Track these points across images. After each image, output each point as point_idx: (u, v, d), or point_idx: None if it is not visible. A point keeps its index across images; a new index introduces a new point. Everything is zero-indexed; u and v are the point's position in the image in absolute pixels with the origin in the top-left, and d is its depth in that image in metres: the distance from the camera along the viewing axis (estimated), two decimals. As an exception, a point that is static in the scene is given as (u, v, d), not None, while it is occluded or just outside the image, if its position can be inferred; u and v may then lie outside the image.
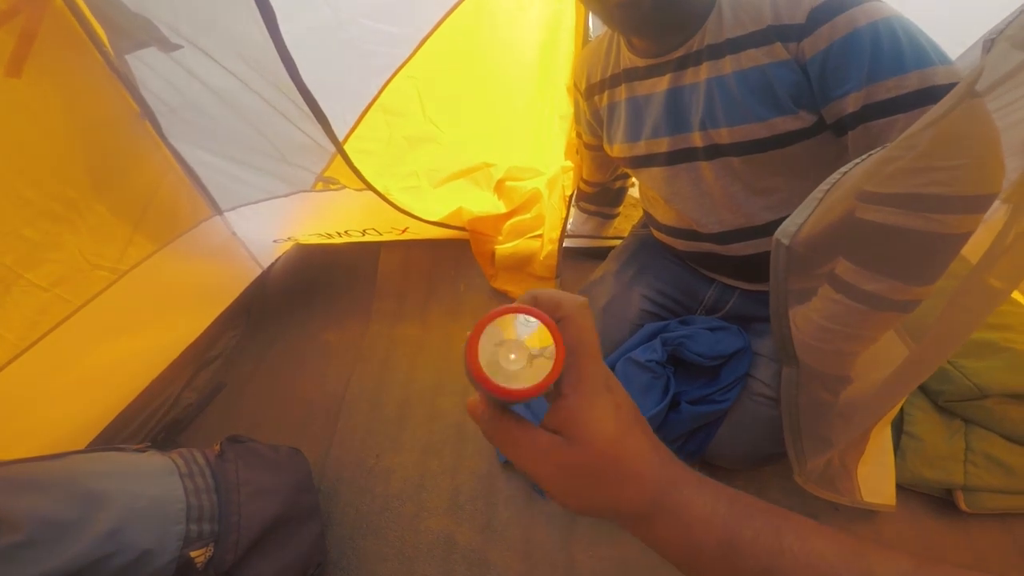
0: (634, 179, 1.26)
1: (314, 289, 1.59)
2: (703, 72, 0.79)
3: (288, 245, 1.53)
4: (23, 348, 0.93)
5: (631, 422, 0.33)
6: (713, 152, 0.82)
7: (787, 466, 0.86)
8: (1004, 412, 0.94)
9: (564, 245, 1.34)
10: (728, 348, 0.91)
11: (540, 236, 1.36)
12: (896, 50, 0.64)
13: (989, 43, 0.45)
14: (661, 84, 0.85)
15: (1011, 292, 0.56)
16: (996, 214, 0.55)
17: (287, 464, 1.02)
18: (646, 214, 1.10)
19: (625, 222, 1.51)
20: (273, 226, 1.36)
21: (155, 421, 1.22)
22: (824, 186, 0.61)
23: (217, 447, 0.95)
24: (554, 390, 0.33)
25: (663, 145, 0.88)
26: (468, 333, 0.32)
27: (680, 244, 0.99)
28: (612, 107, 0.96)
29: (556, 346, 0.31)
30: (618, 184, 1.34)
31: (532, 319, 0.32)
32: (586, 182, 1.32)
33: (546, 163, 1.37)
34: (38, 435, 0.99)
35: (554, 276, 1.39)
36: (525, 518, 1.03)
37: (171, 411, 1.26)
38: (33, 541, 0.71)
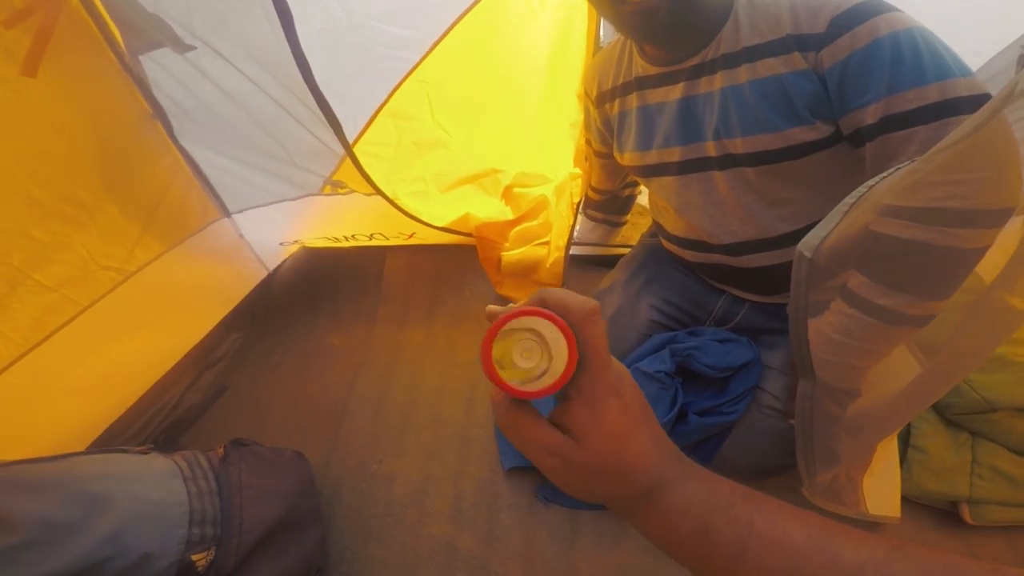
0: (643, 187, 1.26)
1: (319, 292, 1.59)
2: (718, 81, 0.79)
3: (295, 248, 1.53)
4: (28, 348, 0.93)
5: (637, 422, 0.35)
6: (727, 162, 0.82)
7: (792, 478, 0.85)
8: (1012, 425, 0.94)
9: (571, 252, 1.34)
10: (737, 360, 0.90)
11: (547, 243, 1.35)
12: (917, 61, 0.63)
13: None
14: (674, 93, 0.85)
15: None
16: (1012, 227, 0.54)
17: (290, 468, 1.02)
18: (655, 223, 1.09)
19: (632, 230, 1.50)
20: (280, 229, 1.36)
21: (158, 422, 1.22)
22: (850, 199, 0.60)
23: (220, 450, 0.95)
24: (561, 393, 0.35)
25: (675, 155, 0.88)
26: (486, 330, 0.33)
27: (690, 255, 0.98)
28: (623, 115, 0.96)
29: (569, 350, 0.33)
30: (627, 192, 1.34)
31: (548, 323, 0.33)
32: (594, 190, 1.32)
33: (554, 170, 1.37)
34: (41, 435, 0.99)
35: (560, 284, 1.39)
36: (527, 525, 1.02)
37: (174, 412, 1.25)
38: (33, 542, 0.70)
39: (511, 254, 1.38)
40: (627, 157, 0.97)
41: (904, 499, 0.90)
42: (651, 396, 0.92)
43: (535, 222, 1.39)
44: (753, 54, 0.75)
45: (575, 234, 1.38)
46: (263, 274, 1.48)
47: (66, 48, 0.89)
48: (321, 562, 0.96)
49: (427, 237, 1.38)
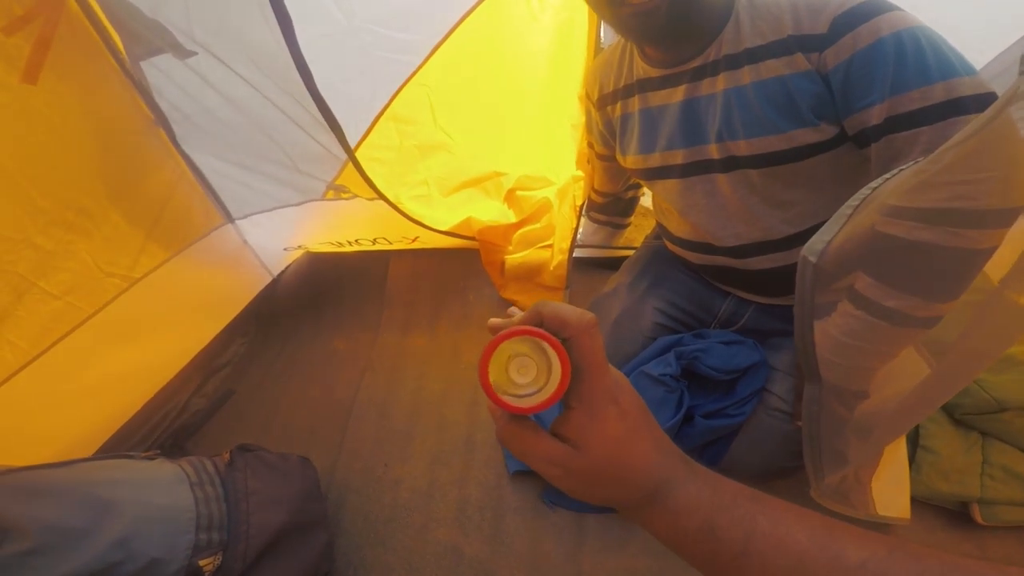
0: (646, 189, 1.25)
1: (324, 297, 1.59)
2: (720, 83, 0.78)
3: (298, 253, 1.54)
4: (35, 355, 0.94)
5: (636, 427, 0.36)
6: (730, 164, 0.81)
7: (800, 479, 0.85)
8: (1023, 425, 0.93)
9: (574, 255, 1.34)
10: (743, 362, 0.90)
11: (550, 246, 1.35)
12: (920, 60, 0.63)
13: None
14: (676, 95, 0.84)
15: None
16: (1020, 226, 0.54)
17: (296, 473, 1.02)
18: (659, 226, 1.09)
19: (636, 232, 1.50)
20: (284, 234, 1.36)
21: (164, 427, 1.23)
22: (853, 201, 0.60)
23: (227, 455, 0.95)
24: (562, 402, 0.36)
25: (678, 157, 0.87)
26: (481, 349, 0.34)
27: (694, 257, 0.98)
28: (625, 118, 0.96)
29: (562, 365, 0.34)
30: (630, 194, 1.33)
31: (540, 340, 0.34)
32: (597, 192, 1.32)
33: (557, 172, 1.36)
34: (48, 441, 0.99)
35: (564, 286, 1.39)
36: (533, 529, 1.02)
37: (180, 417, 1.26)
38: (41, 549, 0.71)
39: (514, 257, 1.38)
40: (630, 160, 0.96)
41: (914, 500, 0.90)
42: (657, 399, 0.92)
43: (538, 225, 1.39)
44: (755, 55, 0.74)
45: (578, 237, 1.38)
46: (267, 279, 1.48)
47: (67, 55, 0.89)
48: (328, 566, 0.96)
49: (430, 241, 1.38)
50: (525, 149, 1.38)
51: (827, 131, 0.73)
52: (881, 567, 0.30)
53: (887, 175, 0.59)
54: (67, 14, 0.89)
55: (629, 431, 0.35)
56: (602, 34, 1.15)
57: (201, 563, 0.80)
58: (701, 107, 0.82)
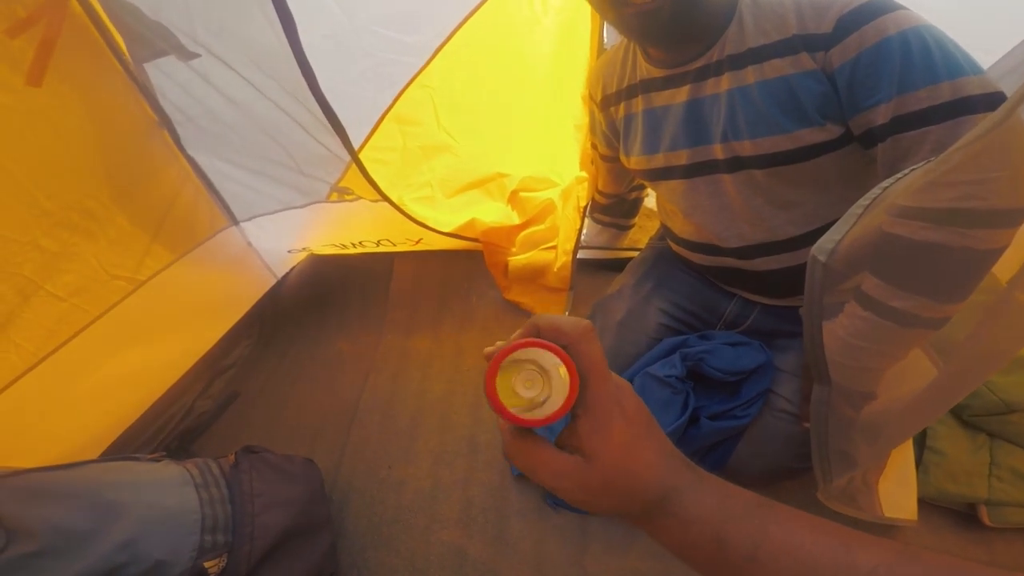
0: (650, 190, 1.25)
1: (328, 299, 1.59)
2: (724, 83, 0.78)
3: (303, 255, 1.54)
4: (41, 357, 0.94)
5: (641, 434, 0.36)
6: (735, 165, 0.81)
7: (806, 481, 0.84)
8: (1031, 428, 0.92)
9: (578, 256, 1.34)
10: (749, 363, 0.89)
11: (554, 247, 1.35)
12: (927, 60, 0.62)
13: None
14: (680, 95, 0.84)
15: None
16: (1027, 227, 0.53)
17: (301, 475, 1.02)
18: (664, 227, 1.08)
19: (640, 233, 1.50)
20: (288, 236, 1.36)
21: (169, 429, 1.23)
22: (864, 201, 0.59)
23: (232, 457, 0.95)
24: (570, 412, 0.36)
25: (682, 158, 0.87)
26: (486, 365, 0.34)
27: (699, 258, 0.97)
28: (629, 119, 0.95)
29: (569, 376, 0.34)
30: (633, 195, 1.33)
31: (544, 351, 0.34)
32: (601, 193, 1.31)
33: (561, 174, 1.36)
34: (53, 443, 0.99)
35: (568, 288, 1.38)
36: (537, 530, 1.02)
37: (185, 419, 1.26)
38: (47, 550, 0.71)
39: (518, 259, 1.38)
40: (633, 161, 0.96)
41: (921, 501, 0.89)
42: (662, 401, 0.91)
43: (542, 226, 1.39)
44: (760, 55, 0.74)
45: (582, 238, 1.38)
46: (272, 282, 1.48)
47: (70, 57, 0.89)
48: (332, 568, 0.96)
49: (434, 243, 1.38)
50: (529, 150, 1.38)
51: (833, 131, 0.72)
52: (892, 573, 0.29)
53: (898, 175, 0.59)
54: (70, 16, 0.88)
55: (635, 437, 0.35)
56: (605, 35, 1.14)
57: (206, 565, 0.80)
58: (705, 107, 0.82)
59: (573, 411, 0.35)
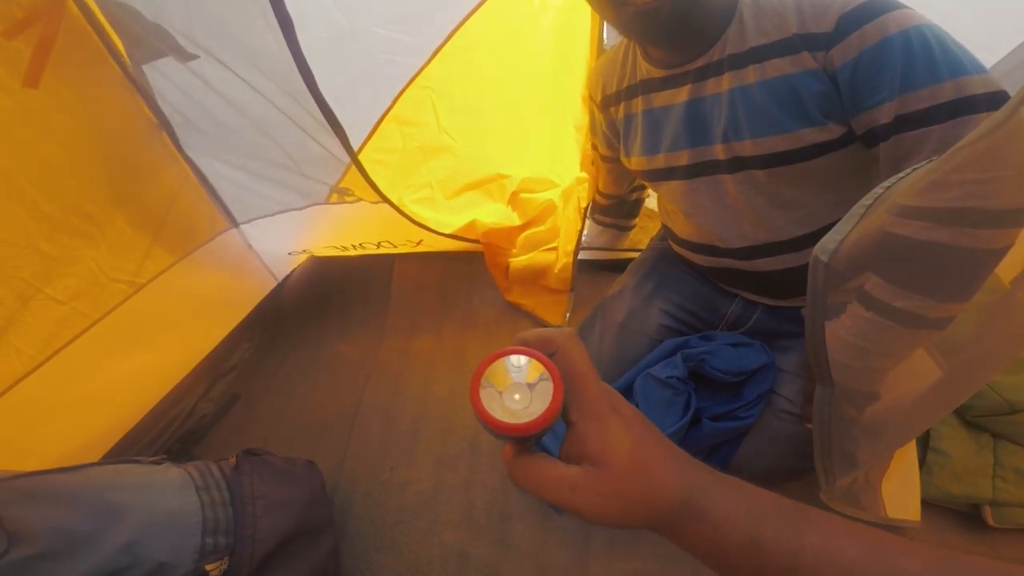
0: (651, 190, 1.25)
1: (328, 301, 1.59)
2: (725, 83, 0.78)
3: (303, 257, 1.54)
4: (41, 361, 0.94)
5: (643, 436, 0.35)
6: (736, 165, 0.81)
7: (810, 482, 0.84)
8: (1035, 427, 0.92)
9: (579, 257, 1.33)
10: (751, 364, 0.89)
11: (555, 249, 1.35)
12: (929, 59, 0.62)
13: None
14: (680, 95, 0.84)
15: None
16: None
17: (302, 477, 1.02)
18: (664, 227, 1.08)
19: (641, 234, 1.49)
20: (288, 239, 1.36)
21: (170, 432, 1.23)
22: (866, 201, 0.59)
23: (233, 460, 0.95)
24: (563, 420, 0.35)
25: (683, 158, 0.86)
26: (471, 377, 0.34)
27: (700, 259, 0.97)
28: (629, 119, 0.95)
29: (552, 378, 0.33)
30: (634, 196, 1.33)
31: (524, 357, 0.33)
32: (602, 194, 1.31)
33: (561, 174, 1.36)
34: (55, 446, 0.99)
35: (569, 289, 1.38)
36: (539, 533, 1.01)
37: (186, 422, 1.26)
38: (49, 553, 0.71)
39: (519, 260, 1.38)
40: (634, 161, 0.96)
41: (924, 502, 0.89)
42: (664, 401, 0.91)
43: (542, 227, 1.39)
44: (760, 54, 0.74)
45: (583, 239, 1.38)
46: (272, 284, 1.48)
47: (68, 59, 0.88)
48: (334, 570, 0.96)
49: (435, 244, 1.38)
50: (529, 151, 1.38)
51: (834, 130, 0.72)
52: None
53: (901, 174, 0.58)
54: (68, 18, 0.88)
55: (638, 440, 0.34)
56: (605, 35, 1.14)
57: (207, 567, 0.80)
58: (706, 107, 0.81)
59: (568, 419, 0.34)
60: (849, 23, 0.66)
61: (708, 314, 1.02)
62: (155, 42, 0.90)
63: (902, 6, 0.65)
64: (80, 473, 0.83)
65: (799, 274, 0.65)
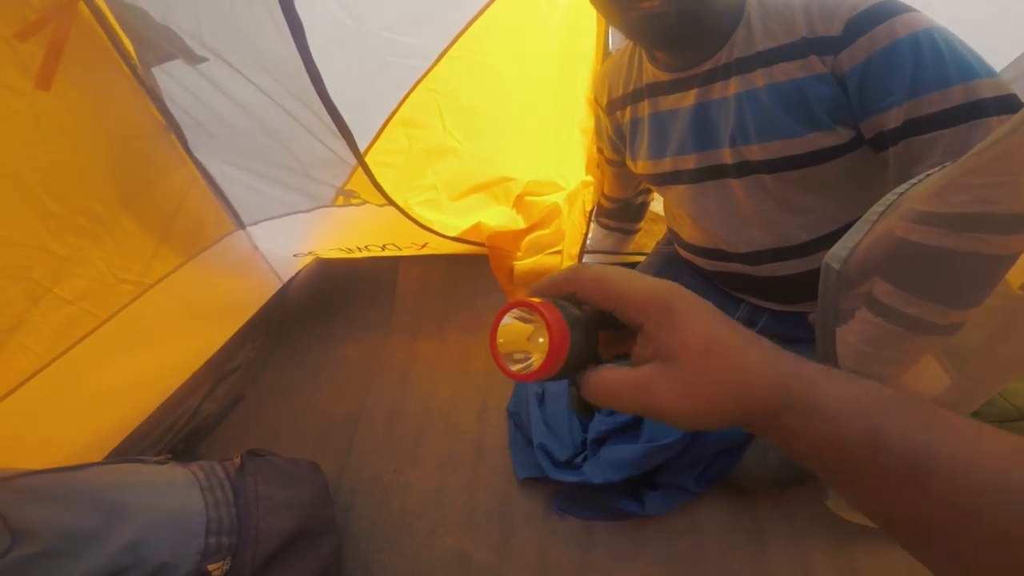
0: (656, 194, 1.24)
1: (333, 303, 1.60)
2: (732, 86, 0.77)
3: (308, 259, 1.54)
4: (49, 360, 0.95)
5: (717, 318, 0.31)
6: (744, 169, 0.80)
7: (815, 488, 0.83)
8: (1045, 436, 0.91)
9: (584, 261, 1.33)
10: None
11: (560, 252, 1.34)
12: (939, 62, 0.62)
13: None
14: (687, 99, 0.83)
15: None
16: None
17: (306, 478, 1.02)
18: (670, 231, 1.08)
19: (647, 237, 1.49)
20: (294, 241, 1.37)
21: (175, 432, 1.23)
22: (878, 207, 0.59)
23: (237, 460, 0.95)
24: (621, 335, 0.33)
25: (690, 162, 0.86)
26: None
27: (707, 264, 0.97)
28: (635, 123, 0.95)
29: (545, 321, 0.31)
30: (640, 200, 1.32)
31: (519, 310, 0.34)
32: (607, 198, 1.31)
33: (566, 177, 1.36)
34: (60, 445, 1.00)
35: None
36: (542, 536, 1.01)
37: (191, 422, 1.27)
38: (52, 552, 0.71)
39: (523, 263, 1.37)
40: (640, 165, 0.96)
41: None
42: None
43: (547, 231, 1.38)
44: (768, 58, 0.73)
45: (588, 242, 1.37)
46: (277, 285, 1.49)
47: (79, 61, 0.89)
48: (335, 571, 0.96)
49: (440, 247, 1.38)
50: (534, 153, 1.37)
51: (843, 135, 0.71)
52: None
53: (914, 180, 0.58)
54: (79, 20, 0.89)
55: (712, 322, 0.30)
56: (610, 37, 1.14)
57: (210, 567, 0.80)
58: (713, 111, 0.81)
59: (616, 330, 0.33)
60: (857, 27, 0.66)
61: (714, 319, 1.02)
62: (164, 44, 0.90)
63: (911, 9, 0.65)
64: (85, 472, 0.84)
65: (806, 279, 0.65)
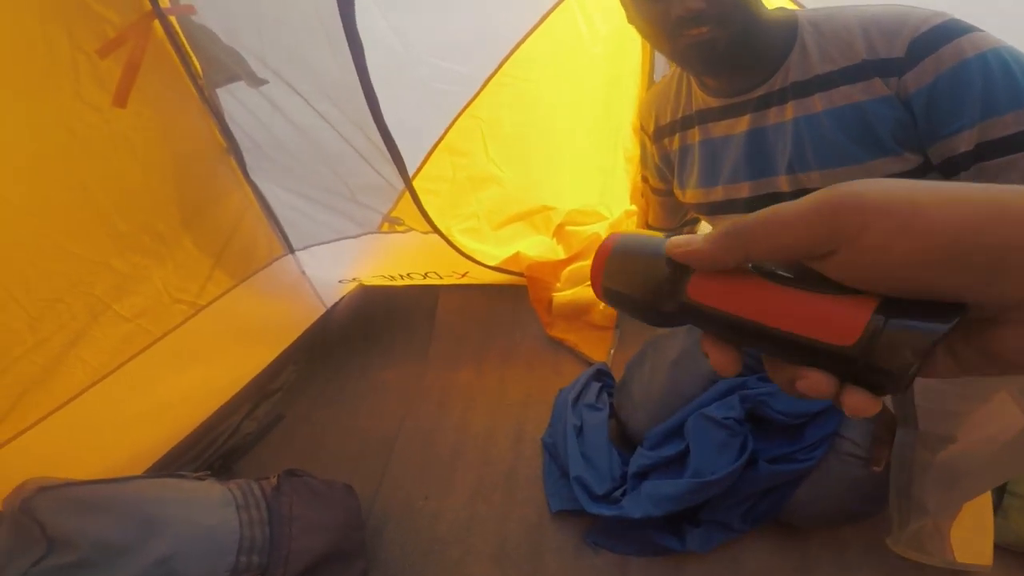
0: (703, 224, 1.21)
1: (374, 329, 1.61)
2: (789, 111, 0.75)
3: (352, 286, 1.57)
4: (104, 374, 0.98)
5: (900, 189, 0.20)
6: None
7: (867, 526, 0.78)
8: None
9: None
10: (813, 406, 0.84)
11: (601, 282, 1.33)
12: (1011, 82, 0.59)
13: None
14: (740, 125, 0.81)
15: None
16: None
17: (339, 501, 1.01)
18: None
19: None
20: (340, 266, 1.40)
21: (215, 449, 1.24)
22: None
23: (274, 479, 0.95)
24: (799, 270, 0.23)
25: (743, 190, 0.83)
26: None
27: None
28: (684, 150, 0.93)
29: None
30: (686, 231, 1.30)
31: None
32: (651, 228, 1.29)
33: (610, 206, 1.35)
34: (104, 456, 1.01)
35: (613, 326, 1.35)
36: (573, 570, 0.96)
37: (231, 439, 1.28)
38: (86, 562, 0.72)
39: (562, 295, 1.36)
40: (689, 194, 0.93)
41: (998, 546, 0.80)
42: (718, 443, 0.87)
43: (587, 262, 1.37)
44: (827, 82, 0.71)
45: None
46: (321, 310, 1.52)
47: (152, 80, 0.92)
48: (363, 596, 0.93)
49: (480, 276, 1.38)
50: (577, 182, 1.37)
51: (910, 160, 0.68)
52: None
53: None
54: (153, 39, 0.92)
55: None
56: (656, 64, 1.14)
57: (239, 585, 0.80)
58: (769, 137, 0.78)
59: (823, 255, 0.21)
60: (921, 47, 0.63)
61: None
62: (231, 64, 0.93)
63: (975, 28, 0.62)
64: (125, 485, 0.85)
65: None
